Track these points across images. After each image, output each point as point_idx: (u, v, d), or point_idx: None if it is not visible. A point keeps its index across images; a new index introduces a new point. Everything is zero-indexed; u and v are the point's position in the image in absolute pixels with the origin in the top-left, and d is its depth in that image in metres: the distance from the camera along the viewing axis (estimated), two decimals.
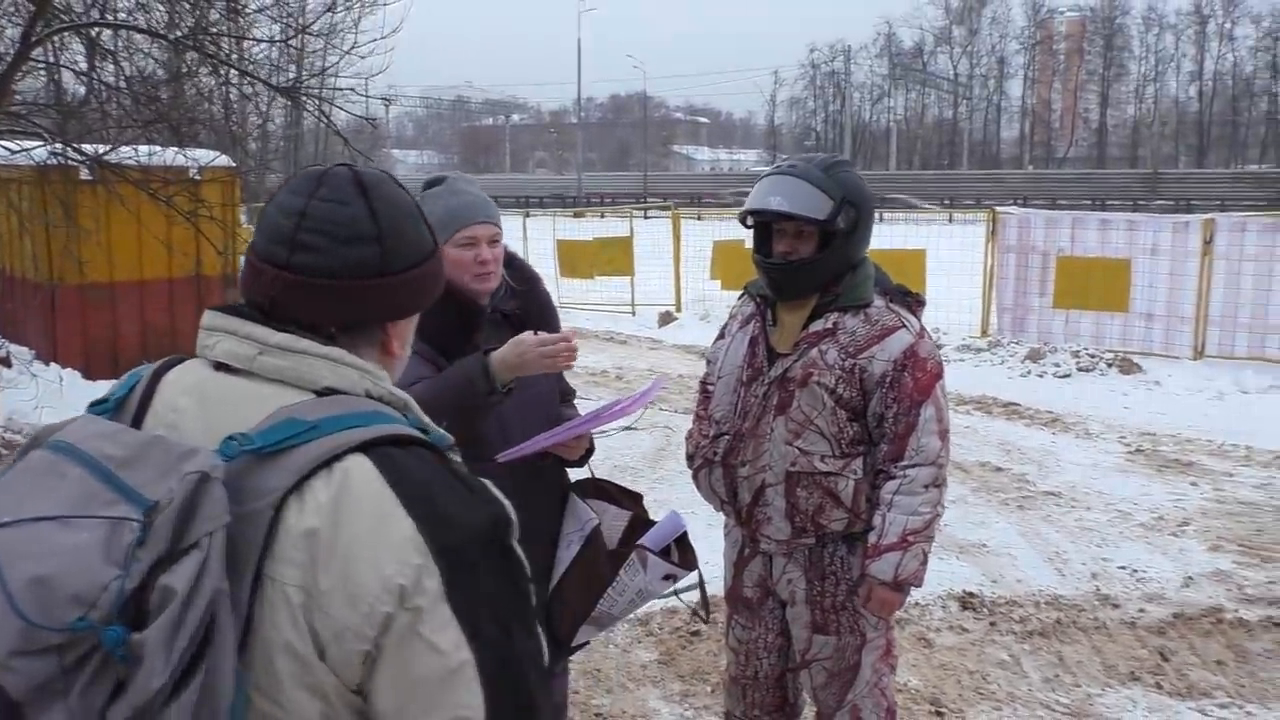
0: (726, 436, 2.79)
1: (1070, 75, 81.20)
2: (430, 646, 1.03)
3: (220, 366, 1.15)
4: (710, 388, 2.95)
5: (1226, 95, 75.74)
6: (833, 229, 2.63)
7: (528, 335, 2.33)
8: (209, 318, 1.18)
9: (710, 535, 3.12)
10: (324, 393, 1.12)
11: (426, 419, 1.20)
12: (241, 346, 1.14)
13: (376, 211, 1.18)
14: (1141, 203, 45.38)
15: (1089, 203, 45.22)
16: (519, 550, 1.13)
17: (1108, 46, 78.09)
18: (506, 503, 1.13)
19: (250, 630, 1.01)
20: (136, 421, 1.15)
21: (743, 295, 2.97)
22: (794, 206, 2.62)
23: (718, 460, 2.80)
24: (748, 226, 2.83)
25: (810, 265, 2.67)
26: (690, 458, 2.93)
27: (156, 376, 1.20)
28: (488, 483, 1.14)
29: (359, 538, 1.03)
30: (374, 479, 1.05)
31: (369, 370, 1.17)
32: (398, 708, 1.04)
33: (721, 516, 3.00)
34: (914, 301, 2.79)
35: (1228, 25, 73.74)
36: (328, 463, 1.04)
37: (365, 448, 1.07)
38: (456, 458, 1.17)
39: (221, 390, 1.14)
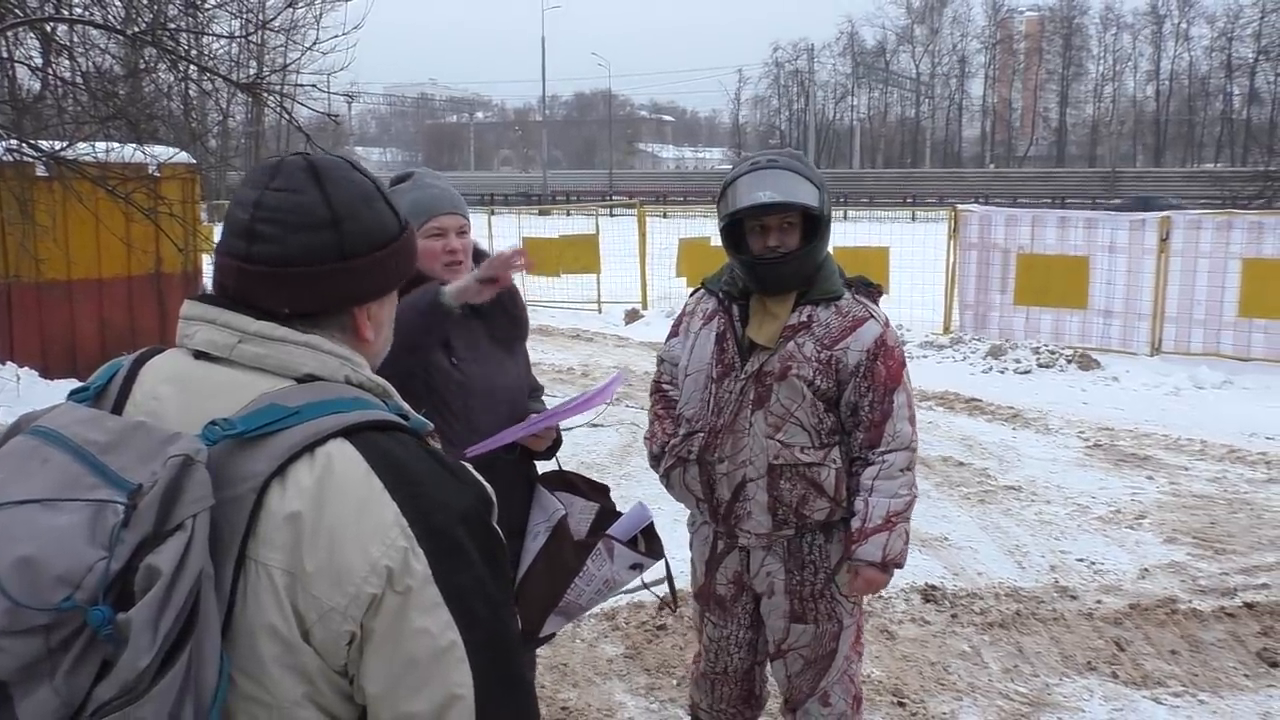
0: (700, 434, 2.80)
1: (1030, 74, 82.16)
2: (420, 628, 1.06)
3: (200, 355, 1.16)
4: (667, 388, 2.95)
5: (1182, 95, 76.97)
6: (819, 216, 2.67)
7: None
8: (188, 307, 1.19)
9: (676, 529, 3.14)
10: (305, 379, 1.14)
11: (406, 406, 1.21)
12: (220, 335, 1.15)
13: (331, 197, 1.18)
14: (1100, 201, 46.02)
15: (1049, 201, 45.80)
16: (499, 530, 1.15)
17: (1066, 46, 79.10)
18: (486, 484, 1.16)
19: (232, 613, 1.03)
20: (117, 410, 1.16)
21: (696, 291, 2.98)
22: (787, 196, 2.63)
23: (692, 458, 2.81)
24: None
25: (801, 256, 2.69)
26: (656, 458, 2.92)
27: (137, 366, 1.21)
28: (467, 465, 1.17)
29: (344, 521, 1.05)
30: (357, 463, 1.07)
31: (349, 358, 1.18)
32: (388, 689, 1.06)
33: (685, 512, 3.02)
34: (875, 292, 2.85)
35: (1183, 25, 75.03)
36: (310, 447, 1.06)
37: (348, 433, 1.08)
38: (436, 444, 1.18)
39: (201, 378, 1.15)
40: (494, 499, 1.16)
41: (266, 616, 1.04)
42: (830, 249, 2.85)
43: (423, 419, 1.19)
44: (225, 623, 1.02)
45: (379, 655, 1.06)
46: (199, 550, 0.98)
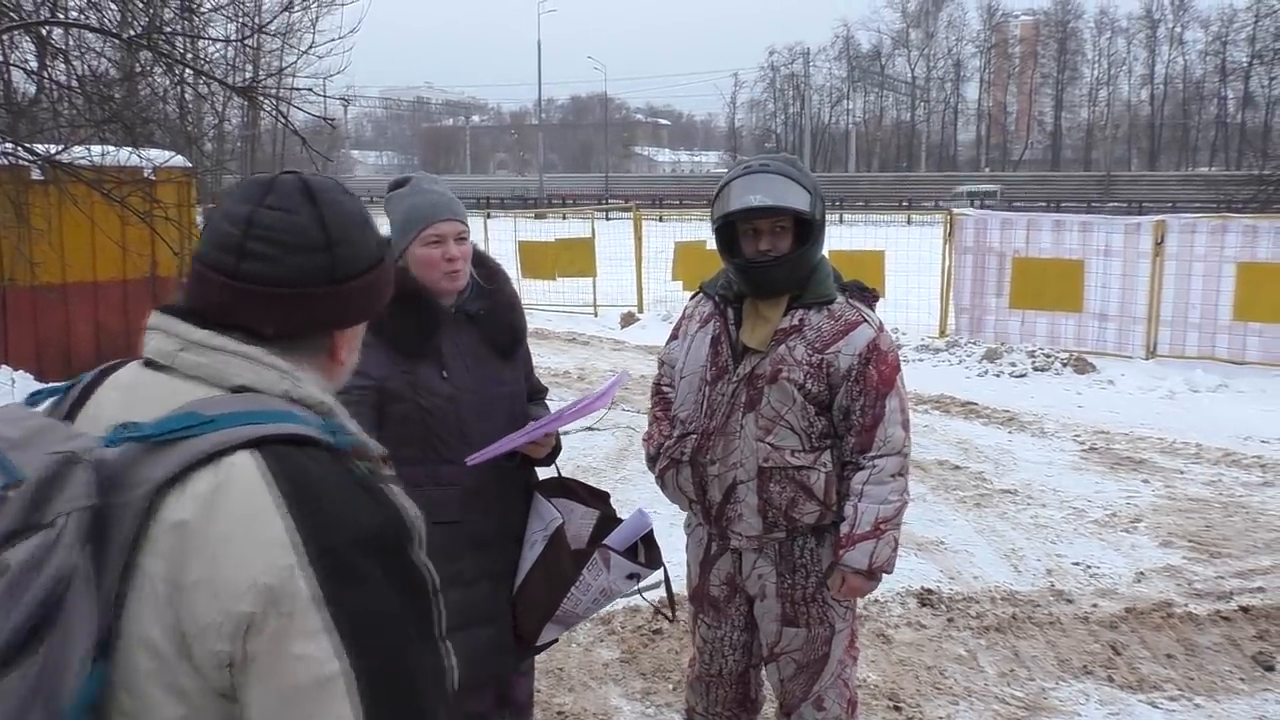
0: (693, 436, 2.80)
1: (1025, 78, 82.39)
2: (300, 654, 0.99)
3: (149, 363, 1.16)
4: (666, 390, 2.96)
5: (1177, 99, 77.24)
6: (810, 219, 2.67)
7: None
8: (151, 317, 1.18)
9: (673, 533, 3.13)
10: (238, 390, 1.11)
11: (349, 425, 1.17)
12: (166, 343, 1.14)
13: (325, 220, 1.17)
14: (1095, 204, 46.15)
15: (1044, 204, 45.90)
16: (418, 559, 1.09)
17: (1061, 50, 79.37)
18: (411, 510, 1.10)
19: (120, 623, 0.99)
20: (70, 415, 1.16)
21: (696, 295, 2.99)
22: (778, 200, 2.64)
23: (685, 460, 2.82)
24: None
25: (793, 260, 2.70)
26: (652, 459, 2.94)
27: (103, 374, 1.21)
28: (395, 489, 1.11)
29: (229, 533, 1.00)
30: (255, 475, 1.02)
31: (289, 371, 1.15)
32: (270, 719, 1.00)
33: (682, 515, 3.02)
34: (870, 296, 2.85)
35: (1177, 29, 75.32)
36: (214, 457, 1.02)
37: (259, 444, 1.04)
38: (388, 470, 1.15)
39: (146, 386, 1.14)
40: (414, 525, 1.09)
41: (145, 629, 0.99)
42: (826, 253, 2.86)
43: (361, 439, 1.14)
44: (113, 633, 0.98)
45: (259, 682, 0.99)
46: (64, 550, 0.94)
